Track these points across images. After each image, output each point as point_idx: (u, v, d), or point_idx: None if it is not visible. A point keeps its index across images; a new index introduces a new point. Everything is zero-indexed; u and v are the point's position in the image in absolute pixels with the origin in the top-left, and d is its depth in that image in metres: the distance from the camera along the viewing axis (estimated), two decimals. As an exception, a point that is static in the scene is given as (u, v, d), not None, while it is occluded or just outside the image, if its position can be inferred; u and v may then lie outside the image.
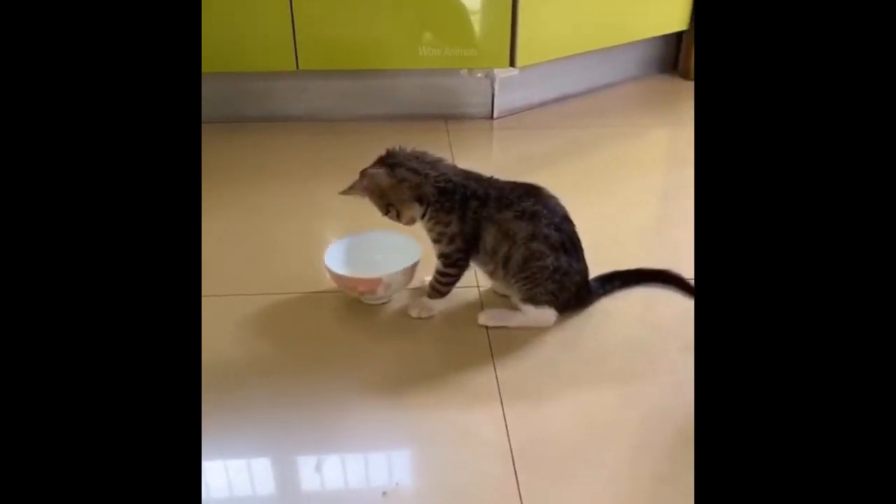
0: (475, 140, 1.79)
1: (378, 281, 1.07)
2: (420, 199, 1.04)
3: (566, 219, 1.05)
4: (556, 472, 0.84)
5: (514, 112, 1.92)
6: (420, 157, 1.05)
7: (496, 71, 1.81)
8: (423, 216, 1.05)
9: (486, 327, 1.07)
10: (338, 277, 1.10)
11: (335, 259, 1.13)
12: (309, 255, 1.29)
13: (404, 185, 1.03)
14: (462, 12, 1.71)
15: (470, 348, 1.04)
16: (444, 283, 1.08)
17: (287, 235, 1.35)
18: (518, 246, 1.02)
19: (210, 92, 1.80)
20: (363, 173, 1.05)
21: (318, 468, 0.86)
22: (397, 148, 1.05)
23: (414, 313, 1.10)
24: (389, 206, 1.05)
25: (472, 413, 0.93)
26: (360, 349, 1.05)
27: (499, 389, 0.96)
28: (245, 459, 0.88)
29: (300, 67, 1.73)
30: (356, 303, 1.13)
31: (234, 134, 1.78)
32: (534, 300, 1.05)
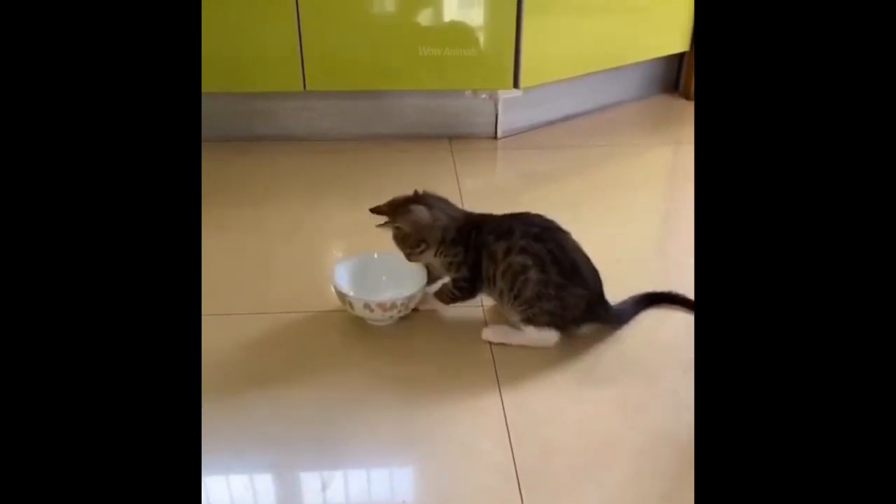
0: (479, 160, 1.80)
1: (391, 302, 1.08)
2: (444, 239, 1.08)
3: (548, 229, 1.05)
4: (559, 489, 0.84)
5: (517, 132, 1.94)
6: (444, 201, 1.12)
7: (500, 92, 1.83)
8: (435, 253, 1.10)
9: (490, 343, 1.08)
10: (345, 298, 1.10)
11: (343, 279, 1.13)
12: (312, 274, 1.30)
13: (438, 225, 1.08)
14: (466, 35, 1.73)
15: (474, 366, 1.04)
16: (451, 297, 1.12)
17: (291, 254, 1.36)
18: (499, 264, 1.04)
19: (217, 111, 1.82)
20: (400, 207, 1.08)
21: (324, 487, 0.86)
22: (422, 192, 1.11)
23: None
24: (421, 242, 1.08)
25: (477, 430, 0.93)
26: (363, 367, 1.05)
27: (503, 407, 0.96)
28: (248, 476, 0.88)
29: (307, 88, 1.75)
30: (358, 321, 1.14)
31: (241, 153, 1.80)
32: (533, 321, 1.05)
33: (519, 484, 0.85)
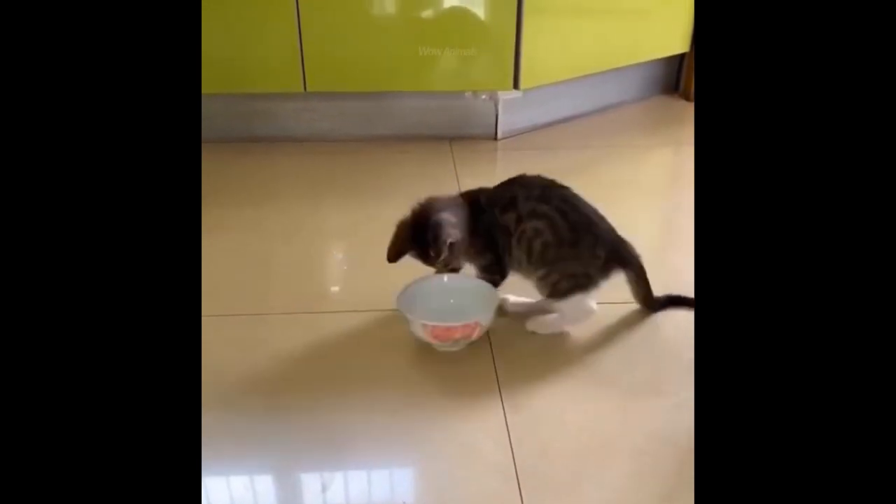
0: (479, 160, 1.80)
1: (475, 325, 1.03)
2: (464, 237, 1.06)
3: (549, 187, 1.05)
4: (559, 490, 0.84)
5: (517, 133, 1.94)
6: (436, 199, 1.08)
7: (500, 93, 1.83)
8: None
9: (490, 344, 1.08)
10: (432, 328, 1.02)
11: (410, 307, 1.06)
12: (312, 275, 1.30)
13: (458, 228, 1.05)
14: (467, 36, 1.73)
15: (474, 367, 1.04)
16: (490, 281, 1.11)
17: (291, 255, 1.36)
18: (512, 235, 1.05)
19: (218, 112, 1.82)
20: (440, 248, 1.02)
21: (324, 489, 0.86)
22: (417, 207, 1.07)
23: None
24: (451, 253, 1.05)
25: (477, 431, 0.93)
26: (364, 368, 1.05)
27: (503, 407, 0.96)
28: (248, 477, 0.88)
29: (308, 89, 1.75)
30: (359, 323, 1.14)
31: (242, 154, 1.80)
32: (559, 292, 1.05)
33: (519, 484, 0.85)
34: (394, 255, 1.06)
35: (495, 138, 1.91)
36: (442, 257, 1.03)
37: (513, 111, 1.90)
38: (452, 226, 1.03)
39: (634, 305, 1.16)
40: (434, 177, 1.67)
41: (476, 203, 1.08)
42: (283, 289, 1.24)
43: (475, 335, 1.04)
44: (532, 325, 1.10)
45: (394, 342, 1.10)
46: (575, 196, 1.06)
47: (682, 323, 1.13)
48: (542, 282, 1.06)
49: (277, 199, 1.58)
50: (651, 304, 1.13)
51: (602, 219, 1.06)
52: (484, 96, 1.85)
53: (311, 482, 0.87)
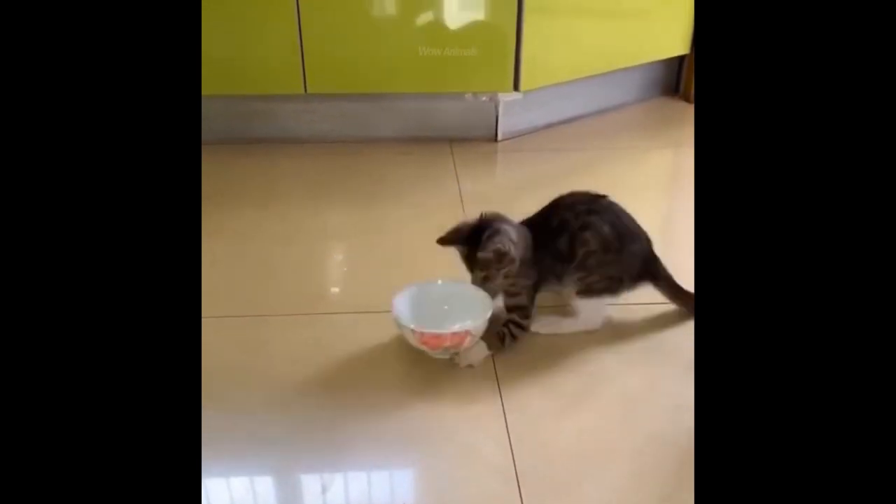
0: (479, 162, 1.80)
1: (465, 334, 1.01)
2: (522, 261, 1.04)
3: (594, 200, 1.08)
4: (559, 491, 0.84)
5: (517, 134, 1.94)
6: (505, 218, 1.06)
7: (500, 94, 1.83)
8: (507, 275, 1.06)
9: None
10: (420, 335, 1.01)
11: (404, 313, 1.05)
12: (312, 277, 1.30)
13: (518, 246, 1.04)
14: (467, 38, 1.74)
15: (474, 370, 1.04)
16: (515, 334, 1.07)
17: (291, 256, 1.36)
18: (565, 259, 1.06)
19: (218, 113, 1.82)
20: (487, 250, 1.00)
21: (324, 490, 0.86)
22: (487, 214, 1.05)
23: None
24: (503, 266, 1.03)
25: (477, 432, 0.93)
26: (363, 370, 1.05)
27: (503, 410, 0.96)
28: (248, 479, 0.88)
29: (308, 91, 1.75)
30: (359, 324, 1.14)
31: (242, 155, 1.80)
32: (589, 291, 1.07)
33: (519, 486, 0.85)
34: (445, 240, 1.05)
35: (495, 140, 1.91)
36: (484, 257, 1.00)
37: (513, 113, 1.91)
38: (511, 241, 1.02)
39: (633, 306, 1.16)
40: (434, 178, 1.68)
41: (533, 230, 1.07)
42: (282, 290, 1.24)
43: (466, 343, 1.02)
44: (538, 324, 1.10)
45: (394, 343, 1.10)
46: (618, 206, 1.09)
47: (681, 323, 1.13)
48: (579, 282, 1.07)
49: (277, 201, 1.58)
50: (688, 301, 1.13)
51: (641, 230, 1.10)
52: (484, 98, 1.86)
53: (311, 483, 0.87)
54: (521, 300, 1.07)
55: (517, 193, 1.67)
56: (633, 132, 2.02)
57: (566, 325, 1.11)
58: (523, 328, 1.07)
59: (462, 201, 1.54)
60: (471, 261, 1.05)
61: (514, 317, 1.07)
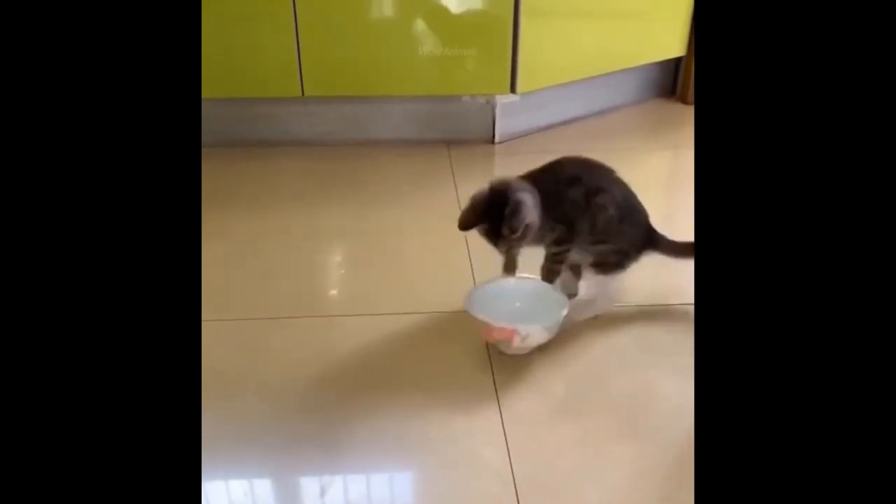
0: (477, 164, 1.80)
1: (512, 332, 1.01)
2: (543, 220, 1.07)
3: (602, 166, 1.13)
4: (556, 493, 0.84)
5: (515, 136, 1.94)
6: (512, 179, 1.08)
7: (497, 97, 1.83)
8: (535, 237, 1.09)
9: (487, 346, 1.08)
10: (480, 322, 1.03)
11: (476, 303, 1.06)
12: (312, 280, 1.30)
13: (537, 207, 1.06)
14: (464, 40, 1.74)
15: (472, 372, 1.04)
16: (558, 261, 1.13)
17: (290, 259, 1.36)
18: (581, 210, 1.08)
19: (216, 116, 1.82)
20: (517, 226, 1.01)
21: (323, 493, 0.86)
22: (495, 182, 1.07)
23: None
24: (526, 232, 1.04)
25: (474, 436, 0.93)
26: (362, 372, 1.05)
27: (500, 412, 0.96)
28: (247, 482, 0.88)
29: (305, 94, 1.75)
30: (357, 327, 1.14)
31: (239, 158, 1.80)
32: (603, 265, 1.11)
33: (516, 489, 0.84)
34: (466, 224, 1.05)
35: (493, 142, 1.91)
36: (516, 236, 1.02)
37: (510, 115, 1.91)
38: (530, 207, 1.03)
39: (629, 308, 1.17)
40: (432, 181, 1.67)
41: (539, 184, 1.08)
42: (280, 293, 1.24)
43: (515, 343, 1.02)
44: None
45: (392, 346, 1.10)
46: (619, 178, 1.13)
47: (678, 325, 1.14)
48: (595, 256, 1.11)
49: (275, 203, 1.58)
50: (689, 252, 1.14)
51: (639, 202, 1.13)
52: (481, 100, 1.86)
53: (309, 486, 0.87)
54: (556, 233, 1.10)
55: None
56: (630, 134, 2.02)
57: (588, 311, 1.14)
58: (556, 253, 1.12)
59: (459, 203, 1.54)
60: (493, 235, 1.04)
61: (549, 262, 1.13)
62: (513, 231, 1.01)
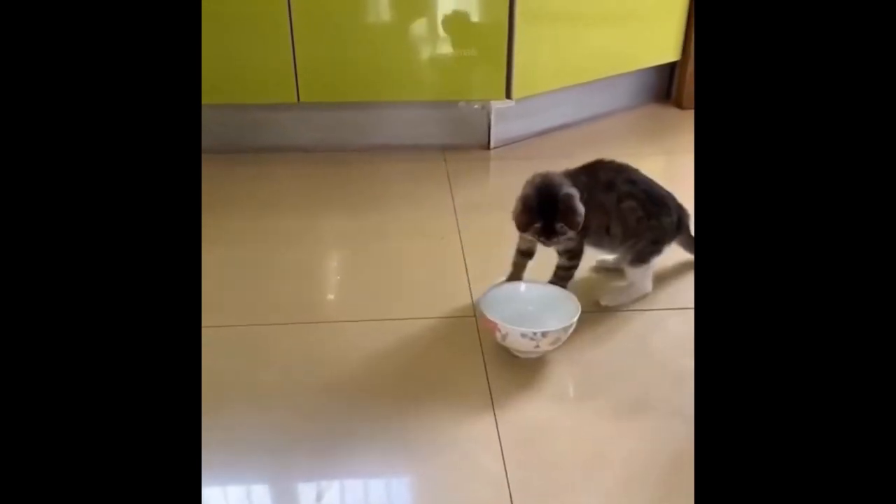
0: (472, 170, 1.80)
1: (495, 326, 1.03)
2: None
3: (626, 169, 1.17)
4: (551, 499, 0.84)
5: (510, 142, 1.94)
6: (572, 183, 1.11)
7: (493, 102, 1.84)
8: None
9: (482, 347, 1.09)
10: (485, 320, 1.05)
11: (488, 303, 1.08)
12: (309, 285, 1.30)
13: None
14: (459, 46, 1.74)
15: (467, 377, 1.04)
16: (566, 276, 1.16)
17: (287, 266, 1.35)
18: (612, 214, 1.13)
19: (211, 123, 1.81)
20: (575, 220, 1.06)
21: (319, 498, 0.85)
22: (537, 180, 1.10)
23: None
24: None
25: (469, 441, 0.92)
26: (358, 378, 1.05)
27: (495, 418, 0.96)
28: (245, 487, 0.87)
29: (301, 100, 1.75)
30: (353, 333, 1.13)
31: (235, 164, 1.79)
32: (640, 258, 1.15)
33: (511, 495, 0.84)
34: (525, 225, 1.08)
35: (488, 147, 1.91)
36: (576, 230, 1.06)
37: (506, 120, 1.91)
38: (580, 201, 1.07)
39: (625, 314, 1.17)
40: (427, 186, 1.67)
41: (577, 182, 1.11)
42: (277, 299, 1.24)
43: (496, 337, 1.05)
44: (606, 299, 1.18)
45: (388, 352, 1.10)
46: (644, 175, 1.17)
47: (673, 331, 1.13)
48: (630, 250, 1.15)
49: (271, 209, 1.58)
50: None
51: (666, 191, 1.17)
52: (477, 106, 1.86)
53: (306, 491, 0.87)
54: (571, 244, 1.13)
55: (511, 201, 1.66)
56: (625, 139, 2.03)
57: (624, 296, 1.18)
58: (567, 269, 1.16)
59: (455, 209, 1.54)
60: (549, 231, 1.06)
61: (562, 260, 1.15)
62: (573, 226, 1.05)
